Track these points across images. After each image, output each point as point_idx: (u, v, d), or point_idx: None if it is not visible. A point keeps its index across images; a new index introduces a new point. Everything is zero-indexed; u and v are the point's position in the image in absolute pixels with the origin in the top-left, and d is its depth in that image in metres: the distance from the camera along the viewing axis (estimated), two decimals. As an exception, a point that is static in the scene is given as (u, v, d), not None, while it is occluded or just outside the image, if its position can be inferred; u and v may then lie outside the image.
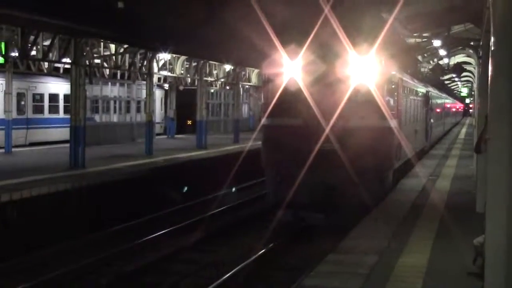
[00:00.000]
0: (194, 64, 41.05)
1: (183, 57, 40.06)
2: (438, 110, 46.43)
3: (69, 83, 26.66)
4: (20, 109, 35.37)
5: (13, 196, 18.38)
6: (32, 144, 35.43)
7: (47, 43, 28.50)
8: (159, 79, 44.68)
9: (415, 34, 27.96)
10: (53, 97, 38.01)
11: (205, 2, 24.98)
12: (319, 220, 19.56)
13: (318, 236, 19.19)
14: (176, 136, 46.58)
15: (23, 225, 18.45)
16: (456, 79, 69.54)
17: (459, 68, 47.98)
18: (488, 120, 6.27)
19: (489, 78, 6.15)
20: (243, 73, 49.35)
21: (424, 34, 28.48)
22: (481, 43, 19.32)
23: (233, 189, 25.12)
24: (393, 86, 21.41)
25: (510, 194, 5.96)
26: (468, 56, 35.80)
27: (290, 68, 19.84)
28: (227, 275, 15.34)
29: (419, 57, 38.58)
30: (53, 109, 38.00)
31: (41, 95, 37.25)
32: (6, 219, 18.08)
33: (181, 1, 24.96)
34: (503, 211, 5.98)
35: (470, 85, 76.38)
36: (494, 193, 6.07)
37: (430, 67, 46.77)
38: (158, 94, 46.87)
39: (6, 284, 14.98)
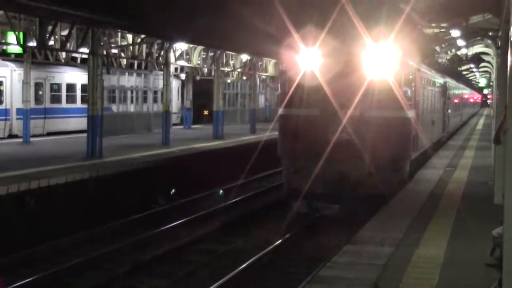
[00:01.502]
0: (211, 54, 41.06)
1: (200, 47, 40.09)
2: (455, 100, 46.25)
3: (87, 73, 26.75)
4: (38, 99, 35.51)
5: (31, 185, 18.49)
6: (50, 133, 35.58)
7: (64, 33, 28.57)
8: (175, 69, 44.69)
9: (433, 25, 27.84)
10: (71, 87, 38.16)
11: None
12: (335, 211, 19.55)
13: (334, 227, 19.20)
14: (193, 126, 46.60)
15: (41, 213, 18.55)
16: (474, 69, 69.17)
17: (477, 59, 47.73)
18: (507, 111, 6.23)
19: (508, 69, 6.11)
20: (259, 63, 49.31)
21: (442, 25, 28.35)
22: (499, 33, 19.22)
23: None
24: (410, 77, 21.33)
25: (528, 185, 5.94)
26: (487, 46, 35.61)
27: (307, 59, 19.82)
28: (244, 265, 15.36)
29: (437, 48, 38.40)
30: (71, 99, 38.15)
31: (59, 85, 37.39)
32: (25, 208, 18.18)
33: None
34: (521, 202, 5.96)
35: (488, 75, 75.95)
36: (513, 184, 6.05)
37: (448, 57, 46.56)
38: (175, 84, 46.88)
39: (24, 272, 15.07)
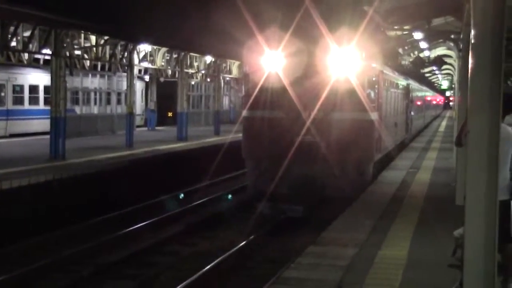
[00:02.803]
0: (175, 56, 40.98)
1: (164, 49, 39.97)
2: (418, 102, 46.62)
3: (49, 75, 26.56)
4: (0, 101, 35.20)
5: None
6: (13, 135, 35.28)
7: (27, 34, 28.35)
8: (139, 70, 44.56)
9: (395, 27, 28.00)
10: (33, 89, 37.85)
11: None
12: (299, 213, 19.61)
13: (299, 229, 19.26)
14: (157, 128, 46.49)
15: (3, 216, 18.37)
16: (437, 72, 69.72)
17: (439, 61, 48.08)
18: (468, 113, 6.31)
19: (469, 71, 6.18)
20: (223, 65, 49.31)
21: (405, 27, 28.54)
22: (461, 36, 19.42)
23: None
24: (374, 79, 21.48)
25: (489, 187, 6.01)
26: (449, 49, 35.87)
27: (271, 60, 19.87)
28: (207, 267, 15.35)
29: (400, 50, 38.65)
30: (34, 100, 37.83)
31: (21, 87, 37.07)
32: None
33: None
34: (482, 203, 6.03)
35: (450, 78, 76.56)
36: (473, 186, 6.12)
37: (411, 60, 46.87)
38: (139, 85, 46.74)
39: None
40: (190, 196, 25.45)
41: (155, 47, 38.69)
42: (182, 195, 25.78)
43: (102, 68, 41.74)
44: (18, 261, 16.34)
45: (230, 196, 23.85)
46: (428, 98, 64.49)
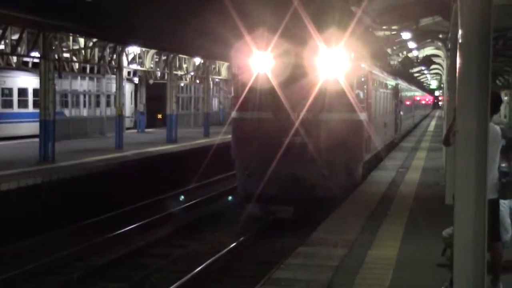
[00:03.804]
0: (163, 57, 40.94)
1: (152, 51, 39.94)
2: (407, 102, 46.68)
3: (38, 78, 26.49)
4: (-11, 104, 35.14)
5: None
6: (1, 138, 35.15)
7: (15, 37, 28.26)
8: (128, 73, 44.48)
9: (384, 27, 28.03)
10: (22, 92, 37.76)
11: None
12: (289, 213, 19.62)
13: (288, 229, 19.25)
14: (146, 130, 46.38)
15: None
16: (426, 71, 69.80)
17: (428, 61, 48.17)
18: (456, 113, 6.32)
19: (457, 71, 6.19)
20: (213, 66, 49.30)
21: (393, 27, 28.56)
22: (449, 35, 19.45)
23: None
24: (362, 79, 21.48)
25: (477, 186, 6.03)
26: (437, 48, 35.91)
27: (260, 61, 19.87)
28: (198, 268, 15.33)
29: (388, 50, 38.69)
30: (22, 103, 37.75)
31: (10, 90, 36.98)
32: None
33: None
34: (471, 203, 6.04)
35: (439, 77, 76.69)
36: (462, 185, 6.13)
37: (400, 60, 46.91)
38: (128, 88, 46.64)
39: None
40: (181, 197, 25.40)
41: (144, 49, 38.66)
42: (171, 196, 25.73)
43: (91, 70, 41.67)
44: (8, 262, 16.32)
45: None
46: (417, 98, 64.60)
